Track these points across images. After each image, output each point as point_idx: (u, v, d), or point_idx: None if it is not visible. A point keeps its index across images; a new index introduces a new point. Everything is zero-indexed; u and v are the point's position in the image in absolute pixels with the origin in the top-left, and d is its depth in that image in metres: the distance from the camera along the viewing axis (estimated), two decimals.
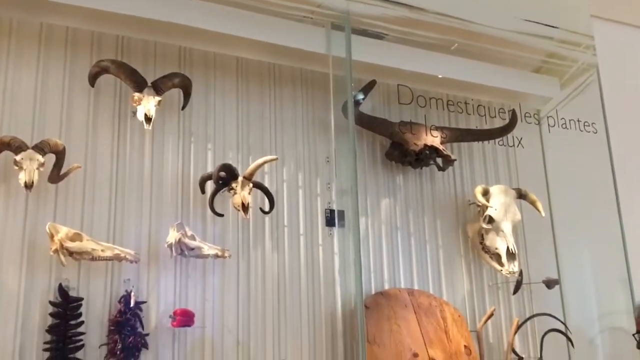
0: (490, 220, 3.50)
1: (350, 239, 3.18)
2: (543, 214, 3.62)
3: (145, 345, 2.73)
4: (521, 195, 3.66)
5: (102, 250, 2.65)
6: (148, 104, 2.85)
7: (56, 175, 2.66)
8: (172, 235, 2.82)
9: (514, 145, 3.65)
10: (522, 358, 3.44)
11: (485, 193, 3.57)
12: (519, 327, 3.52)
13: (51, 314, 2.60)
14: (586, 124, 3.66)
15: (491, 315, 3.50)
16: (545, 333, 3.50)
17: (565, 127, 3.62)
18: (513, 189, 3.65)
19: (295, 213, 3.30)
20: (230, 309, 2.99)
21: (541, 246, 3.80)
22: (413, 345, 3.16)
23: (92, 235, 2.70)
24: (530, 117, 3.68)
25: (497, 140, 3.65)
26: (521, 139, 3.65)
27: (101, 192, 2.85)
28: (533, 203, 3.65)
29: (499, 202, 3.53)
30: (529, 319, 3.63)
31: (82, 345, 2.63)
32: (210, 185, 3.03)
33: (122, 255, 2.68)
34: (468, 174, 3.85)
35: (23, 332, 2.56)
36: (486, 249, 3.56)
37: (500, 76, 3.69)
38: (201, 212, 3.04)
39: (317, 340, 3.15)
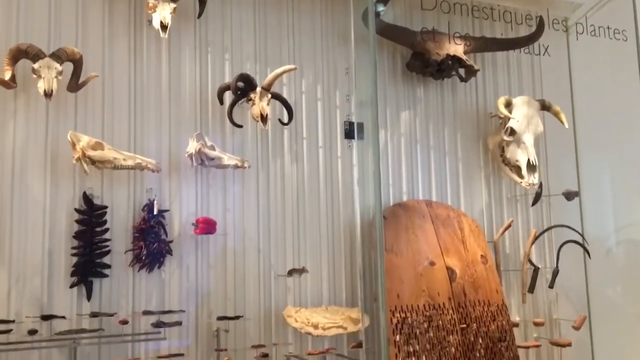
0: (512, 132, 3.45)
1: (370, 151, 3.16)
2: (567, 125, 3.55)
3: (170, 252, 2.82)
4: (544, 106, 3.58)
5: (124, 159, 2.68)
6: (163, 11, 2.79)
7: (74, 84, 2.66)
8: (192, 146, 2.83)
9: (539, 53, 3.53)
10: (539, 268, 3.49)
11: (508, 104, 3.50)
12: (536, 238, 3.55)
13: (77, 221, 2.67)
14: (616, 31, 3.50)
15: (509, 226, 3.53)
16: (563, 244, 3.53)
17: (594, 34, 3.47)
18: (536, 100, 3.57)
19: (314, 125, 3.28)
20: (251, 219, 3.05)
21: (562, 158, 3.76)
22: (430, 254, 3.22)
23: (113, 145, 2.72)
24: (558, 24, 3.53)
25: (522, 48, 3.54)
26: (547, 47, 3.51)
27: (120, 102, 2.85)
28: (556, 114, 3.57)
29: (522, 114, 3.46)
30: (546, 230, 3.65)
31: (109, 251, 2.72)
32: (228, 96, 3.00)
33: (144, 164, 2.71)
34: (491, 84, 3.77)
35: (51, 238, 2.66)
36: (506, 162, 3.54)
37: None
38: (220, 123, 3.04)
39: (336, 249, 3.22)
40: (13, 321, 2.50)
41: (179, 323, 2.72)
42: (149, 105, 2.90)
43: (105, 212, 2.73)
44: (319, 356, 2.92)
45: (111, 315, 2.65)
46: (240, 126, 3.00)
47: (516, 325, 3.39)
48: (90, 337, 2.58)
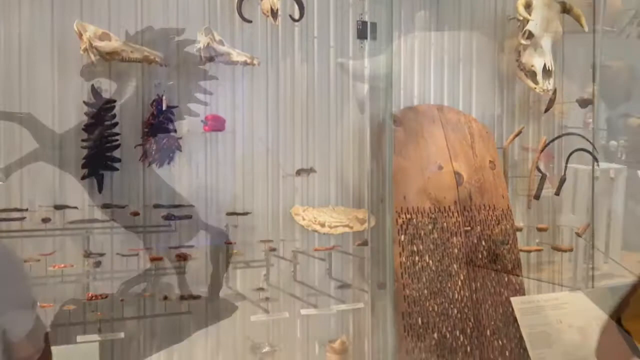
0: (530, 35, 3.34)
1: (382, 52, 3.09)
2: (586, 29, 3.43)
3: (179, 148, 2.83)
4: (565, 9, 3.44)
5: (132, 52, 2.63)
6: None
7: None
8: (201, 40, 2.77)
9: None
10: (546, 175, 3.49)
11: (528, 5, 3.37)
12: (545, 145, 3.53)
13: (86, 114, 2.67)
14: None
15: (519, 133, 3.51)
16: (572, 152, 3.51)
17: None
18: (557, 2, 3.43)
19: (325, 24, 3.18)
20: (260, 118, 3.03)
21: (579, 65, 3.67)
22: (438, 158, 3.22)
23: (119, 37, 2.66)
24: None
25: None
26: None
27: None
28: (577, 18, 3.44)
29: (541, 16, 3.34)
30: (557, 137, 3.63)
31: (119, 145, 2.73)
32: None
33: (151, 57, 2.66)
34: None
35: (61, 130, 2.65)
36: (522, 67, 3.45)
37: None
38: (229, 17, 2.95)
39: (345, 150, 3.22)
40: (27, 209, 2.56)
41: (188, 217, 2.78)
42: None
43: (114, 106, 2.71)
44: (324, 252, 3.00)
45: (122, 207, 2.70)
46: (249, 21, 2.92)
47: (520, 229, 3.44)
48: (103, 227, 2.65)
